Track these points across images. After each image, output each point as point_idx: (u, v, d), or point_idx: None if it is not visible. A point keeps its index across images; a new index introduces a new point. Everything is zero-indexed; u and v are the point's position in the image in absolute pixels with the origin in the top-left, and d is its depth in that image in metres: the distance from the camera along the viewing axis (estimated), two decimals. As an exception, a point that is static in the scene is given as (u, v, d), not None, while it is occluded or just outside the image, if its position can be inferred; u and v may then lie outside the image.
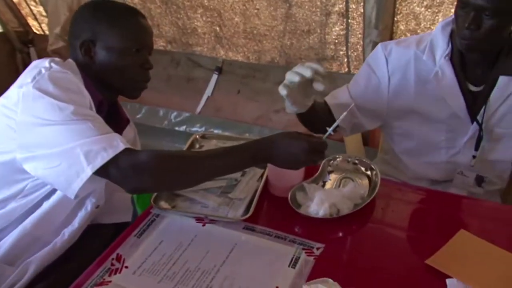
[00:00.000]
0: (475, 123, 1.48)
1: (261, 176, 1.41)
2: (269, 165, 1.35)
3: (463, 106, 1.46)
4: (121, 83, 1.30)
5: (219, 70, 2.90)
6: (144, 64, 1.30)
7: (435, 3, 2.12)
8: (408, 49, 1.50)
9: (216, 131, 2.94)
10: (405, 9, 2.19)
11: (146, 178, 1.10)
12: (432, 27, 2.15)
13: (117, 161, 1.07)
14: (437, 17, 2.16)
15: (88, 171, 1.06)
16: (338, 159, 1.44)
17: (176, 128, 3.05)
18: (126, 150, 1.09)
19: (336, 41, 2.42)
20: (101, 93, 1.28)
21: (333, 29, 2.38)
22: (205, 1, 2.58)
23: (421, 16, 2.19)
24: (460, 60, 1.44)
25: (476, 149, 1.52)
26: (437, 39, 1.46)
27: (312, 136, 1.18)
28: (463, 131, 1.51)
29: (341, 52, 2.46)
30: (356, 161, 1.43)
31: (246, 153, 1.15)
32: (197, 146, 1.55)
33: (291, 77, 1.20)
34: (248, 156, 1.15)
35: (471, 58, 1.42)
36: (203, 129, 2.98)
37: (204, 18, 2.67)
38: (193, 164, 1.13)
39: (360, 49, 2.38)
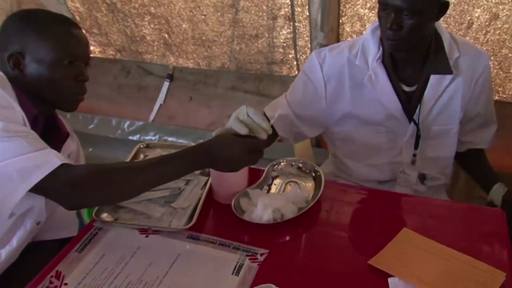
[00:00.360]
0: (412, 122, 1.51)
1: (205, 184, 1.39)
2: (212, 172, 1.34)
3: (399, 107, 1.49)
4: (55, 97, 1.24)
5: (170, 77, 2.87)
6: (78, 76, 1.25)
7: (376, 4, 2.14)
8: (341, 55, 1.51)
9: (170, 139, 2.91)
10: (349, 11, 2.21)
11: (83, 194, 1.07)
12: (377, 29, 2.18)
13: (53, 178, 1.04)
14: (380, 19, 2.19)
15: (22, 190, 1.03)
16: (282, 164, 1.45)
17: (130, 137, 3.00)
18: (62, 166, 1.06)
19: (285, 44, 2.43)
20: (35, 107, 1.22)
21: (281, 33, 2.39)
22: (152, 8, 2.55)
23: (365, 18, 2.21)
24: (392, 62, 1.46)
25: (416, 147, 1.55)
26: (368, 43, 1.48)
27: (249, 136, 1.17)
28: (402, 131, 1.53)
29: (290, 56, 2.47)
30: (300, 165, 1.44)
31: (185, 160, 1.14)
32: (141, 156, 1.52)
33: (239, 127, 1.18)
34: (187, 163, 1.14)
35: (401, 59, 1.45)
36: (157, 137, 2.95)
37: (152, 26, 2.64)
38: (132, 175, 1.11)
39: (309, 52, 2.39)
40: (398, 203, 1.41)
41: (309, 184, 1.39)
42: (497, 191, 1.52)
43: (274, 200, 1.27)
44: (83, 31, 1.31)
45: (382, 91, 1.48)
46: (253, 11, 2.36)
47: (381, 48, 1.46)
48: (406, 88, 1.49)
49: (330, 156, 1.85)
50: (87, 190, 1.07)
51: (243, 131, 1.16)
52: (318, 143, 2.50)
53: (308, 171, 1.42)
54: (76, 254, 1.18)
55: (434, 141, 1.56)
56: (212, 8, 2.41)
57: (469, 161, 1.71)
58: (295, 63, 2.49)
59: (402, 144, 1.56)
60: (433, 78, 1.47)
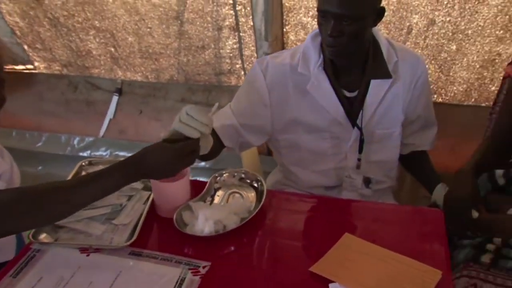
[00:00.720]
0: (355, 127, 1.53)
1: (148, 198, 1.38)
2: (153, 186, 1.33)
3: (342, 112, 1.51)
4: None
5: (119, 91, 2.84)
6: None
7: (319, 13, 2.19)
8: (283, 63, 1.52)
9: (121, 154, 2.88)
10: (292, 20, 2.24)
11: (10, 221, 1.03)
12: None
13: None
14: (323, 26, 2.24)
15: None
16: (224, 175, 1.45)
17: (80, 154, 2.95)
18: None
19: (231, 54, 2.45)
20: None
21: (227, 43, 2.40)
22: (96, 22, 2.52)
23: (308, 26, 2.25)
24: (332, 68, 1.48)
25: (360, 152, 1.57)
26: (308, 50, 1.50)
27: (179, 139, 1.17)
28: (346, 136, 1.55)
29: (237, 66, 2.49)
30: (243, 175, 1.44)
31: (117, 173, 1.12)
32: (83, 173, 1.49)
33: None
34: (119, 176, 1.12)
35: (342, 65, 1.48)
36: (108, 152, 2.91)
37: (97, 40, 2.61)
38: (62, 195, 1.08)
39: (255, 61, 2.41)
40: (342, 209, 1.42)
41: (252, 194, 1.39)
42: (439, 192, 1.56)
43: (216, 212, 1.26)
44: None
45: (325, 97, 1.50)
46: (198, 23, 2.37)
47: (321, 55, 1.48)
48: (348, 94, 1.52)
49: (278, 164, 1.86)
50: (15, 217, 1.03)
51: (186, 131, 1.16)
52: (269, 151, 2.52)
53: (250, 181, 1.43)
54: (10, 280, 1.14)
55: (377, 144, 1.59)
56: (157, 20, 2.41)
57: (413, 163, 1.75)
58: (242, 73, 2.50)
59: (346, 149, 1.57)
60: (373, 83, 1.49)
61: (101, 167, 1.47)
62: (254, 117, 1.57)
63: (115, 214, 1.32)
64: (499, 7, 2.12)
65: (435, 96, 2.53)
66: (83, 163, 1.53)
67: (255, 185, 1.41)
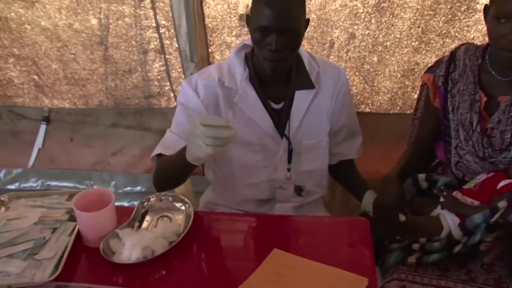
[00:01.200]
0: (284, 138, 1.56)
1: (73, 229, 1.34)
2: (77, 216, 1.29)
3: (270, 124, 1.54)
4: None
5: (47, 120, 2.75)
6: None
7: (243, 31, 2.23)
8: (211, 78, 1.54)
9: (53, 183, 2.78)
10: (216, 40, 2.27)
11: None
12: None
13: None
14: (248, 45, 2.27)
15: None
16: (152, 199, 1.43)
17: (8, 187, 2.81)
18: None
19: (159, 77, 2.44)
20: None
21: (153, 66, 2.39)
22: (15, 49, 2.44)
23: (233, 45, 2.28)
24: (258, 81, 1.52)
25: (289, 162, 1.61)
26: (233, 64, 1.54)
27: None
28: (275, 148, 1.58)
29: (166, 88, 2.48)
30: (170, 198, 1.43)
31: None
32: (2, 209, 1.43)
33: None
34: None
35: (267, 77, 1.52)
36: (38, 183, 2.80)
37: (18, 68, 2.53)
38: None
39: (183, 82, 2.41)
40: (271, 225, 1.43)
41: (180, 217, 1.38)
42: (368, 199, 1.61)
43: (143, 237, 1.25)
44: None
45: (253, 110, 1.53)
46: (122, 47, 2.35)
47: (247, 68, 1.52)
48: (275, 106, 1.56)
49: (210, 183, 1.86)
50: None
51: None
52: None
53: (178, 204, 1.42)
54: None
55: (306, 154, 1.63)
56: (80, 46, 2.37)
57: (340, 172, 1.79)
58: (172, 94, 2.50)
59: (277, 160, 1.60)
60: (297, 94, 1.55)
61: (22, 200, 1.45)
62: None
63: (38, 249, 1.27)
64: (412, 20, 2.23)
65: (362, 106, 2.61)
66: (2, 198, 1.46)
67: (183, 207, 1.41)
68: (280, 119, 1.56)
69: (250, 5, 1.45)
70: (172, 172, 1.46)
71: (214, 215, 1.55)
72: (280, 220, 1.49)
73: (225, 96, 1.53)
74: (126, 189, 2.70)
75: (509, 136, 1.52)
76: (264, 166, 1.61)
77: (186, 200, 1.41)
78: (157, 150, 1.55)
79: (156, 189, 1.53)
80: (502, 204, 1.36)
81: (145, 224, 1.38)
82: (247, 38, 2.22)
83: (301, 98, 1.55)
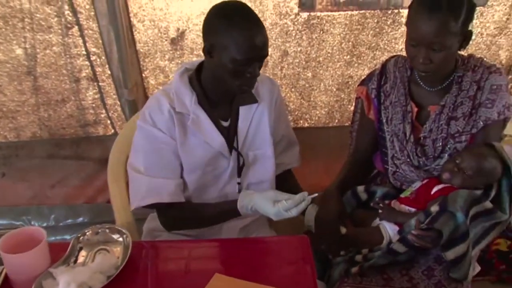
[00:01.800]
0: (233, 153, 1.57)
1: (0, 273, 1.27)
2: (4, 259, 1.23)
3: (223, 142, 1.55)
4: None
5: (-25, 156, 2.63)
6: None
7: (175, 55, 2.22)
8: (162, 108, 1.50)
9: (-13, 223, 2.65)
10: (150, 64, 2.25)
11: None
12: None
13: None
14: (182, 67, 2.26)
15: None
16: (87, 233, 1.38)
17: None
18: None
19: (94, 105, 2.38)
20: None
21: (87, 94, 2.34)
22: None
23: (167, 69, 2.27)
24: (207, 101, 1.52)
25: (239, 176, 1.61)
26: (180, 90, 1.52)
27: None
28: (225, 164, 1.58)
29: (102, 115, 2.43)
30: (107, 230, 1.39)
31: None
32: None
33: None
34: None
35: (216, 97, 1.53)
36: (-29, 222, 2.66)
37: None
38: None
39: (119, 109, 2.38)
40: (212, 250, 1.43)
41: (118, 249, 1.34)
42: (310, 213, 1.62)
43: (79, 274, 1.20)
44: None
45: (206, 132, 1.52)
46: (53, 76, 2.28)
47: (194, 91, 1.51)
48: (224, 123, 1.57)
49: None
50: None
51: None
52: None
53: (115, 235, 1.38)
54: None
55: (254, 166, 1.64)
56: (6, 77, 2.28)
57: (282, 183, 1.79)
58: (109, 122, 2.45)
59: (226, 176, 1.60)
60: (241, 109, 1.57)
61: None
62: (175, 163, 1.54)
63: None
64: (341, 35, 2.30)
65: (301, 121, 2.66)
66: None
67: (121, 239, 1.37)
68: (230, 136, 1.57)
69: (204, 35, 1.45)
70: (209, 221, 1.57)
71: (156, 243, 1.51)
72: (222, 244, 1.48)
73: (179, 121, 1.51)
74: (67, 221, 2.60)
75: (440, 144, 1.57)
76: (214, 184, 1.61)
77: (123, 231, 1.36)
78: (147, 200, 1.51)
79: (168, 230, 1.61)
80: (434, 208, 1.41)
81: (81, 260, 1.32)
82: (180, 62, 2.24)
83: (245, 113, 1.58)
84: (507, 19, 2.36)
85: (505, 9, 2.32)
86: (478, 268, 1.63)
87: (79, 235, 1.37)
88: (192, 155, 1.54)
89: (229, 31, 1.37)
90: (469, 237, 1.39)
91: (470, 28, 1.48)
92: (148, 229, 1.76)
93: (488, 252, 2.26)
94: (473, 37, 2.36)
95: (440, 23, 1.40)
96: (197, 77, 1.53)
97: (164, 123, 1.50)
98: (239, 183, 1.62)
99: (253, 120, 1.60)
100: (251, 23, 1.39)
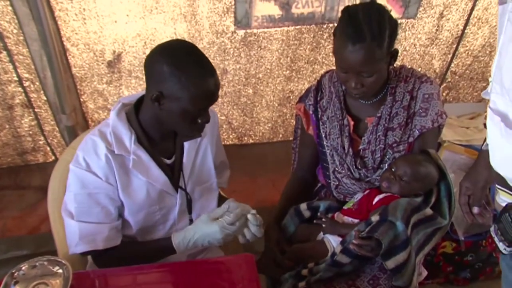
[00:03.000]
0: (179, 191, 1.54)
1: None
2: None
3: (166, 181, 1.50)
4: None
5: None
6: None
7: (113, 78, 2.18)
8: (99, 153, 1.42)
9: None
10: (87, 88, 2.20)
11: None
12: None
13: None
14: (121, 90, 2.22)
15: None
16: (23, 268, 1.32)
17: None
18: None
19: (31, 132, 2.31)
20: None
21: (23, 122, 2.26)
22: None
23: (105, 92, 2.23)
24: (148, 140, 1.46)
25: (190, 213, 1.59)
26: (118, 129, 1.43)
27: None
28: (172, 202, 1.55)
29: (41, 142, 2.36)
30: (45, 262, 1.33)
31: None
32: None
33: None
34: None
35: (157, 134, 1.47)
36: None
37: None
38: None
39: (59, 135, 2.31)
40: (161, 274, 1.40)
41: (57, 281, 1.29)
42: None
43: (14, 312, 1.15)
44: None
45: (149, 172, 1.46)
46: (-16, 105, 2.20)
47: (132, 130, 1.44)
48: (167, 161, 1.52)
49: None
50: None
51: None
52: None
53: (55, 267, 1.32)
54: None
55: (202, 199, 1.62)
56: None
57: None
58: (48, 148, 2.38)
59: (175, 214, 1.56)
60: (186, 145, 1.53)
61: None
62: (110, 208, 1.47)
63: None
64: (279, 50, 2.33)
65: (245, 138, 2.67)
66: None
67: (60, 270, 1.32)
68: (174, 173, 1.53)
69: (160, 80, 1.32)
70: (146, 259, 1.45)
71: (101, 272, 1.46)
72: (170, 269, 1.45)
73: (118, 165, 1.43)
74: (8, 254, 2.50)
75: (379, 155, 1.61)
76: (162, 223, 1.57)
77: (63, 261, 1.31)
78: (81, 247, 1.43)
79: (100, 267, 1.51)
80: (375, 218, 1.44)
81: (16, 296, 1.27)
82: (119, 84, 2.20)
83: (189, 148, 1.54)
84: (436, 30, 2.46)
85: (434, 20, 2.42)
86: (425, 273, 1.67)
87: (13, 270, 1.30)
88: (135, 197, 1.47)
89: (182, 82, 1.29)
90: (411, 245, 1.42)
91: (396, 43, 1.52)
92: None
93: (435, 256, 2.32)
94: (407, 48, 2.48)
95: (366, 53, 1.42)
96: (136, 114, 1.45)
97: (101, 168, 1.41)
98: (191, 220, 1.59)
99: (198, 155, 1.57)
100: (204, 69, 1.33)
